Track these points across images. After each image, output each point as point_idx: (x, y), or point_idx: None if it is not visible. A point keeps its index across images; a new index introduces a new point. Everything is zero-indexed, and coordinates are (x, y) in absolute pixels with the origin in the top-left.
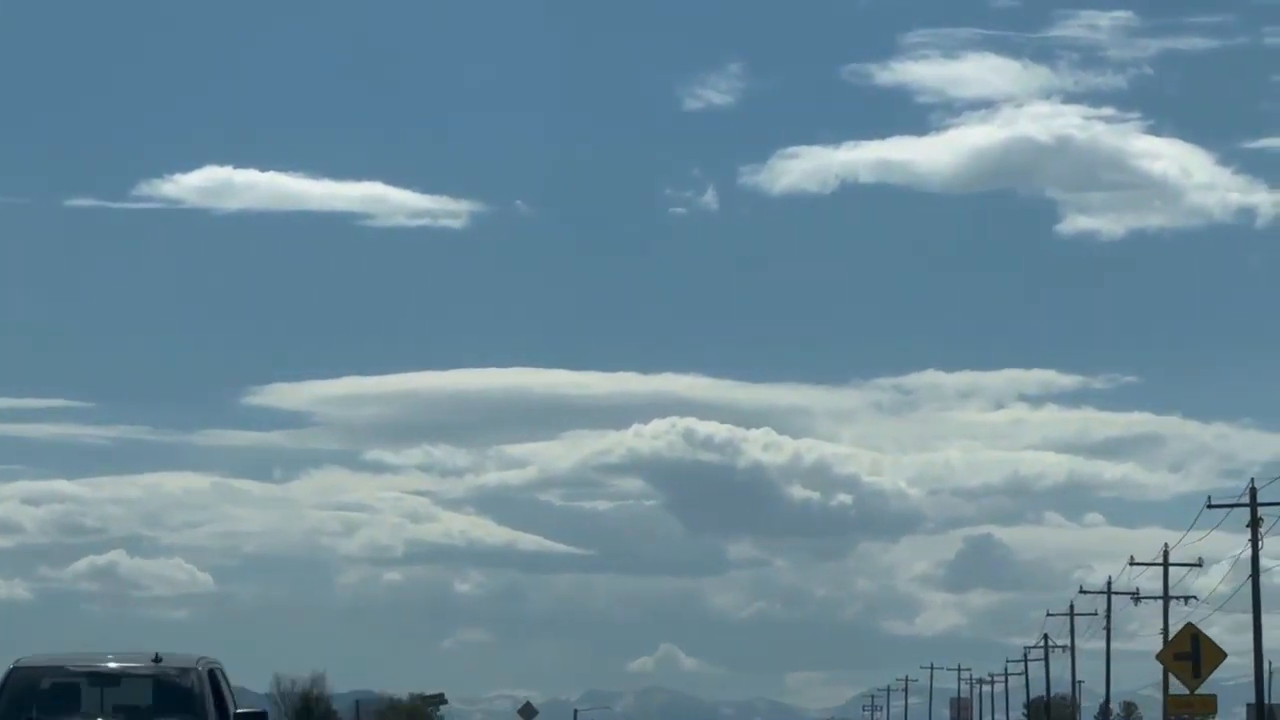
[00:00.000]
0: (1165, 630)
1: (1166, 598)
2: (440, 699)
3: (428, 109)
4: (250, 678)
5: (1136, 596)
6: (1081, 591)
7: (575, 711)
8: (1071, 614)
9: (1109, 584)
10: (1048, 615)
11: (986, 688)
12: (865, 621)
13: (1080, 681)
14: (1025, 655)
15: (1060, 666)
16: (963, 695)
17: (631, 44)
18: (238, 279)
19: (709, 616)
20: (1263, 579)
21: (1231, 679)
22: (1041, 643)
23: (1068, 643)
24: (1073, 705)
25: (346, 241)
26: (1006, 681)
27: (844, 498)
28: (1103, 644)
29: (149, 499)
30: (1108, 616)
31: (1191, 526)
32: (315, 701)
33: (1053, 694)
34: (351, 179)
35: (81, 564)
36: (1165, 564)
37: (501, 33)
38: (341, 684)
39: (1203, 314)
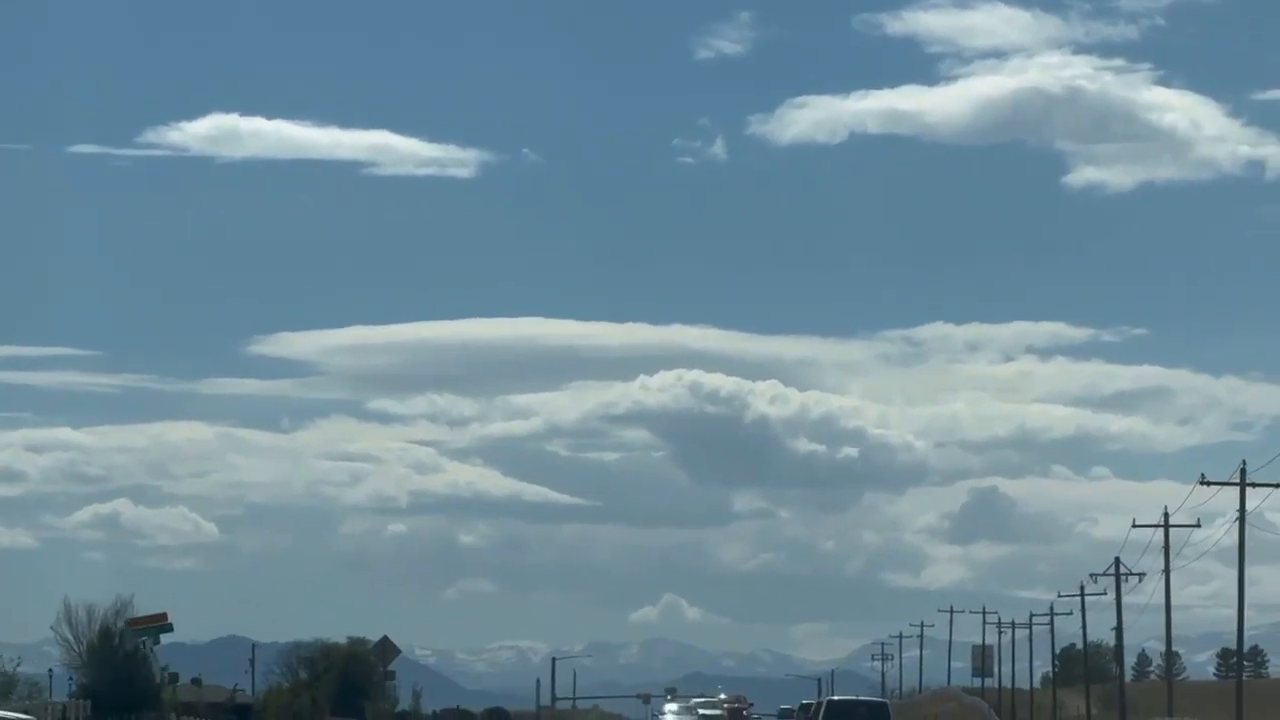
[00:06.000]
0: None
1: None
2: (165, 624)
3: (435, 58)
4: (254, 629)
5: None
6: (1204, 481)
7: (554, 660)
8: (1166, 523)
9: (1242, 470)
10: (1135, 525)
11: (1005, 637)
12: (870, 574)
13: (1114, 628)
14: (1082, 590)
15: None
16: (986, 644)
17: None
18: (243, 227)
19: (714, 568)
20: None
21: None
22: (1111, 570)
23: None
24: (1167, 649)
25: (353, 190)
26: (1053, 624)
27: (850, 450)
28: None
29: (154, 448)
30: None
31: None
32: (120, 638)
33: (1080, 646)
34: (358, 127)
35: (85, 512)
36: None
37: None
38: (342, 632)
39: (1213, 266)
